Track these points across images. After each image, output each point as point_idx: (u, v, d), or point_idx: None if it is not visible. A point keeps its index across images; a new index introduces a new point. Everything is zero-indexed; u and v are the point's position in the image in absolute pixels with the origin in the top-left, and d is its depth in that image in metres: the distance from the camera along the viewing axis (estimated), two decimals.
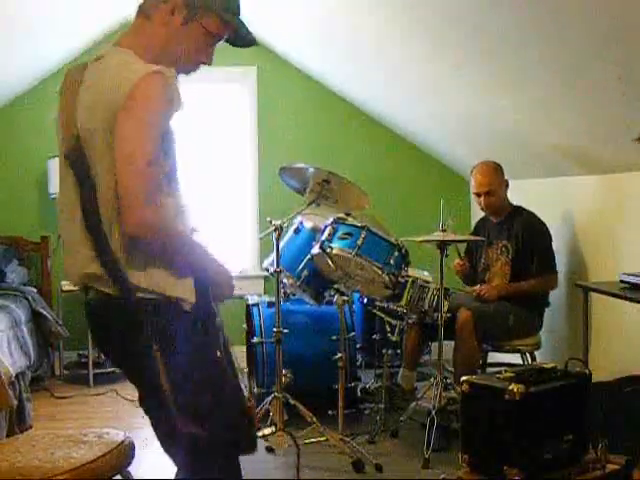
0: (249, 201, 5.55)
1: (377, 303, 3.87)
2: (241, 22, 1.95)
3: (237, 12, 1.94)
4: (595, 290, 3.32)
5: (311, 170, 3.68)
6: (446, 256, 3.63)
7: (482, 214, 4.25)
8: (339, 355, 3.56)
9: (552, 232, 3.96)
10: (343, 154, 5.46)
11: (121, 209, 1.67)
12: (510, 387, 2.42)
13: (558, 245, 4.08)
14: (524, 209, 4.05)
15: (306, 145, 5.45)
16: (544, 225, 3.95)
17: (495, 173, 4.02)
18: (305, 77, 5.48)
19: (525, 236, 3.92)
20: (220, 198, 5.58)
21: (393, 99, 5.03)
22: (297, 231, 3.89)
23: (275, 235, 3.57)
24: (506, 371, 2.63)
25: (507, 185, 4.06)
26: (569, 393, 2.58)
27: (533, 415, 2.44)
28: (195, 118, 5.41)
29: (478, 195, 4.03)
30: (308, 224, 3.90)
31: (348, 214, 3.74)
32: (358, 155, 5.51)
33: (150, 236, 1.71)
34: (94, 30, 5.01)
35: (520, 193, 4.30)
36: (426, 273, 4.04)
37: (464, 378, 2.61)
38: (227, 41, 1.98)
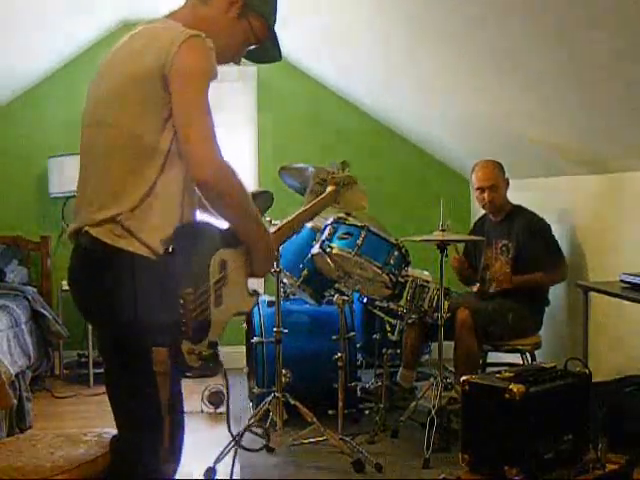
0: None
1: (377, 303, 3.87)
2: (276, 34, 2.11)
3: (274, 24, 2.09)
4: (595, 290, 3.32)
5: (311, 170, 3.68)
6: (446, 256, 3.63)
7: (481, 213, 4.25)
8: (339, 355, 3.56)
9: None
10: (343, 154, 5.43)
11: (196, 160, 1.74)
12: (510, 387, 2.42)
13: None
14: (524, 208, 4.05)
15: (306, 145, 5.44)
16: (544, 222, 3.95)
17: (497, 169, 4.04)
18: (305, 77, 5.48)
19: (526, 235, 3.92)
20: None
21: (394, 99, 5.03)
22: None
23: None
24: (506, 371, 2.63)
25: (507, 184, 4.06)
26: (569, 393, 2.58)
27: (533, 415, 2.44)
28: None
29: (481, 190, 4.03)
30: (308, 224, 3.89)
31: (348, 214, 3.74)
32: (358, 155, 5.50)
33: (227, 182, 1.78)
34: (92, 31, 5.01)
35: (520, 193, 4.30)
36: (426, 273, 4.04)
37: (464, 378, 2.61)
38: (250, 57, 2.11)
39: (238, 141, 5.56)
